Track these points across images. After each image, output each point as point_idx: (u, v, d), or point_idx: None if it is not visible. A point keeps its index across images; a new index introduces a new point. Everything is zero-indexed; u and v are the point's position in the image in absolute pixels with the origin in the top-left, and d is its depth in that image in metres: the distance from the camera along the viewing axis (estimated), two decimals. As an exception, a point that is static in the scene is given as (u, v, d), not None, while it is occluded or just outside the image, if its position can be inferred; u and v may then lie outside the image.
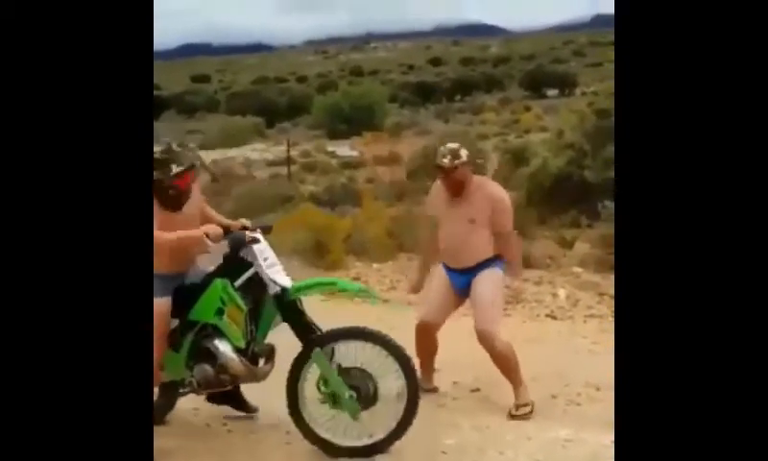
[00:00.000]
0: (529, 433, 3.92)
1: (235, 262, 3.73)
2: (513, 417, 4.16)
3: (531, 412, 4.18)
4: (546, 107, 34.64)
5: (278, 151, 23.89)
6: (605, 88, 11.81)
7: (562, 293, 6.81)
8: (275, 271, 3.70)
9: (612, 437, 3.79)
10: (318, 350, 3.65)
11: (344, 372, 3.65)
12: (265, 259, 3.68)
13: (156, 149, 3.63)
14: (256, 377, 3.85)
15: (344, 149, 25.25)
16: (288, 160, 18.40)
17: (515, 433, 3.93)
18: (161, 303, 3.69)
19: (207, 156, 15.95)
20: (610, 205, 8.32)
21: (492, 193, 4.29)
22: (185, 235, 3.62)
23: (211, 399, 4.20)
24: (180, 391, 3.96)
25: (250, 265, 3.70)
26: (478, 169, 14.54)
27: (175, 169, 3.66)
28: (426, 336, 4.42)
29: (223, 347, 3.70)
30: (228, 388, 3.95)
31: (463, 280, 4.34)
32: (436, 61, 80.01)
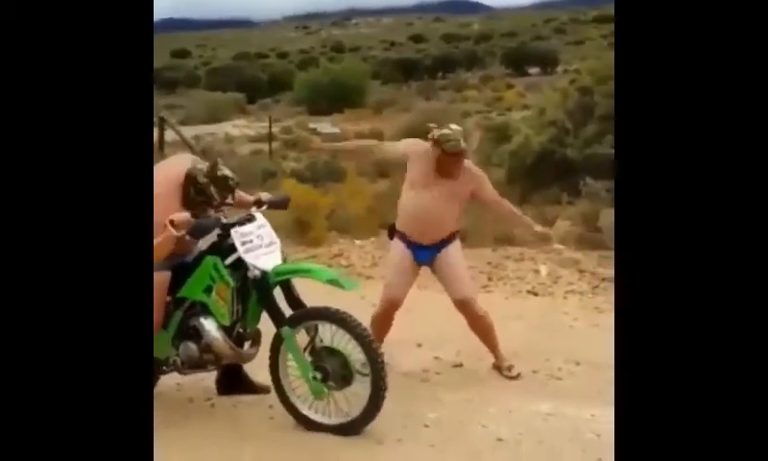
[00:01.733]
0: (511, 407, 3.97)
1: (226, 241, 3.71)
2: (510, 378, 4.40)
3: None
4: (528, 84, 34.65)
5: (259, 127, 23.77)
6: (586, 66, 11.82)
7: (543, 270, 6.86)
8: (257, 254, 3.66)
9: (592, 411, 3.87)
10: (286, 329, 3.66)
11: (316, 352, 3.66)
12: (245, 243, 3.65)
13: (233, 177, 3.76)
14: (241, 359, 3.88)
15: (325, 125, 25.16)
16: (270, 137, 18.30)
17: (497, 407, 3.98)
18: (160, 276, 3.67)
19: (188, 131, 15.82)
20: (591, 182, 8.36)
21: (472, 169, 4.41)
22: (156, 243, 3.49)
23: (222, 390, 4.20)
24: (164, 369, 3.95)
25: None
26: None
27: (229, 200, 3.76)
28: (391, 314, 4.45)
29: (208, 325, 3.71)
30: (211, 370, 3.95)
31: (427, 255, 4.39)
32: (418, 38, 79.58)
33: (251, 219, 3.78)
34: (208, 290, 3.70)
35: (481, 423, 3.80)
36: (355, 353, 3.59)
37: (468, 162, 4.42)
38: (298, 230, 8.14)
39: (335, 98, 31.04)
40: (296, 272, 3.79)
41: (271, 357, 3.77)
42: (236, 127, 25.89)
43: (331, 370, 3.62)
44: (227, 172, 3.75)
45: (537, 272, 6.84)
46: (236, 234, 3.66)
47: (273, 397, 3.95)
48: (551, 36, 68.39)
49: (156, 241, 3.47)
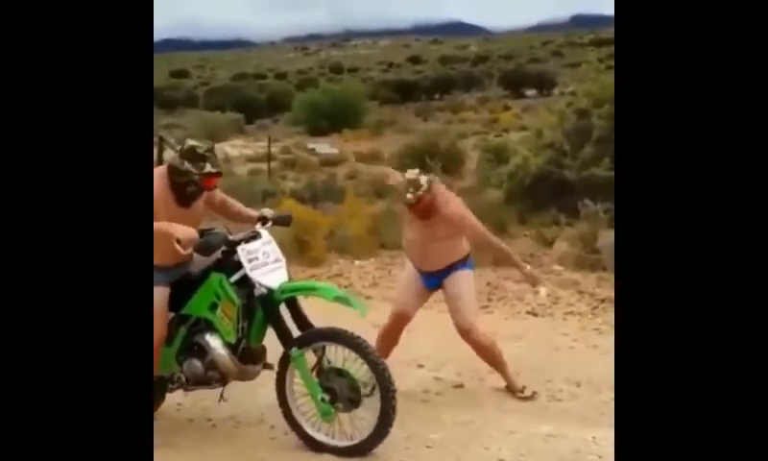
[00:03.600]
0: (512, 428, 3.97)
1: (232, 258, 3.71)
2: (524, 399, 4.39)
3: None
4: (525, 106, 34.81)
5: (258, 147, 23.79)
6: (583, 89, 11.87)
7: (542, 291, 6.85)
8: (263, 272, 3.67)
9: (593, 433, 3.87)
10: (295, 350, 3.65)
11: (325, 373, 3.64)
12: (251, 260, 3.66)
13: (201, 145, 3.73)
14: (246, 376, 3.86)
15: (324, 146, 25.21)
16: (269, 157, 18.34)
17: (498, 428, 3.97)
18: (159, 292, 3.68)
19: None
20: (589, 203, 8.37)
21: (452, 214, 4.22)
22: (159, 229, 3.50)
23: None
24: (169, 387, 3.95)
25: None
26: (455, 168, 14.57)
27: (208, 168, 3.68)
28: (398, 328, 4.46)
29: (213, 342, 3.72)
30: (216, 387, 3.92)
31: (433, 281, 4.42)
32: (415, 60, 79.83)
33: (256, 236, 3.79)
34: (213, 307, 3.71)
35: (483, 444, 3.80)
36: (363, 376, 3.59)
37: (450, 205, 4.23)
38: (297, 250, 8.14)
39: (334, 118, 31.11)
40: (302, 290, 3.80)
41: (278, 376, 3.76)
42: (234, 147, 25.90)
43: (339, 391, 3.61)
44: (192, 142, 3.77)
45: (536, 293, 6.84)
46: (242, 252, 3.66)
47: (274, 417, 3.94)
48: (548, 58, 68.71)
49: (159, 226, 3.49)
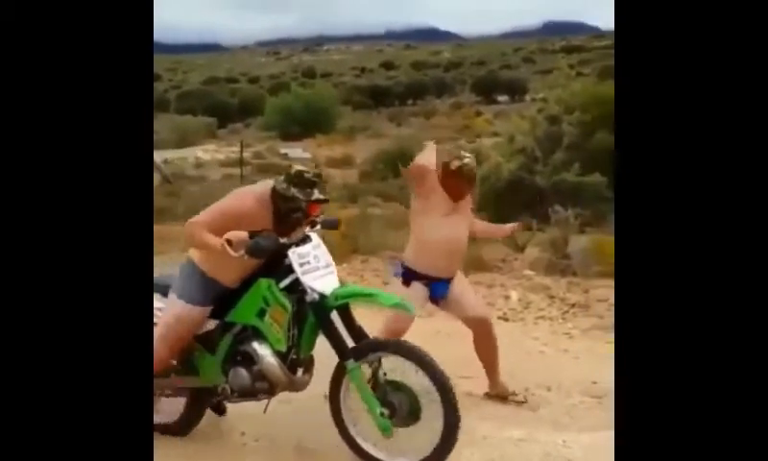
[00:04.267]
0: (484, 433, 3.98)
1: (281, 263, 3.49)
2: (499, 404, 4.41)
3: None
4: (497, 112, 35.08)
5: (230, 152, 23.71)
6: (554, 95, 12.01)
7: (513, 295, 6.92)
8: (314, 276, 3.46)
9: (563, 436, 3.90)
10: (351, 361, 3.45)
11: (383, 386, 3.45)
12: (303, 265, 3.45)
13: (309, 170, 3.50)
14: (294, 387, 3.64)
15: (296, 151, 25.19)
16: (241, 162, 18.27)
17: (470, 433, 3.97)
18: (195, 312, 3.56)
19: (158, 155, 15.73)
20: (560, 209, 8.47)
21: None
22: (208, 242, 3.35)
23: None
24: (213, 400, 3.79)
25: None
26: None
27: (316, 195, 3.45)
28: None
29: (262, 350, 3.52)
30: (262, 399, 3.69)
31: (444, 287, 4.31)
32: (388, 65, 79.91)
33: (306, 239, 3.57)
34: (261, 314, 3.51)
35: (455, 449, 3.80)
36: (422, 389, 3.40)
37: None
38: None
39: (306, 123, 31.08)
40: (358, 295, 3.59)
41: (331, 389, 3.57)
42: (207, 151, 25.77)
43: (399, 405, 3.41)
44: (300, 167, 3.52)
45: (507, 298, 6.90)
46: (294, 255, 3.45)
47: (244, 424, 3.91)
48: (520, 64, 69.21)
49: (207, 239, 3.36)
